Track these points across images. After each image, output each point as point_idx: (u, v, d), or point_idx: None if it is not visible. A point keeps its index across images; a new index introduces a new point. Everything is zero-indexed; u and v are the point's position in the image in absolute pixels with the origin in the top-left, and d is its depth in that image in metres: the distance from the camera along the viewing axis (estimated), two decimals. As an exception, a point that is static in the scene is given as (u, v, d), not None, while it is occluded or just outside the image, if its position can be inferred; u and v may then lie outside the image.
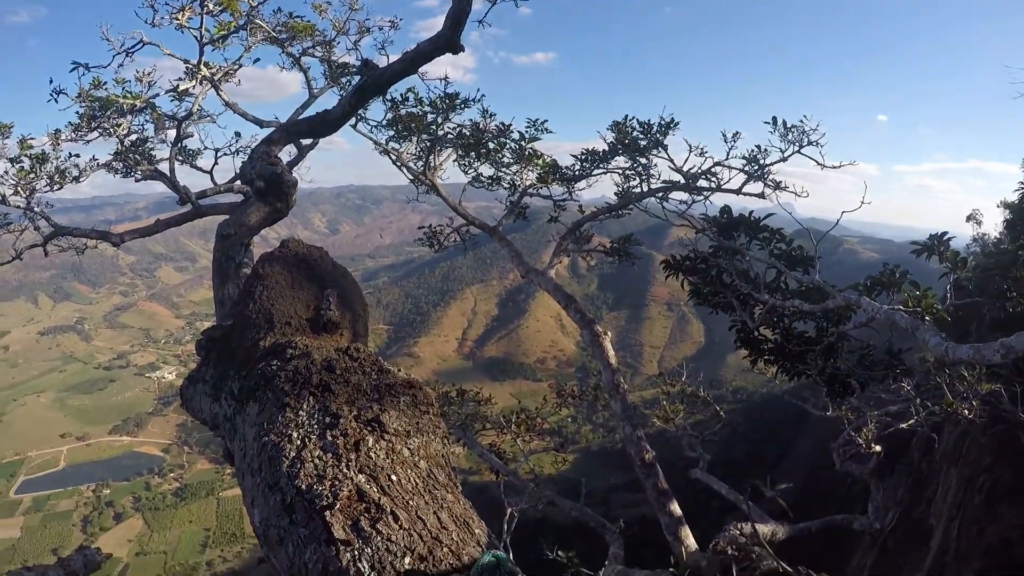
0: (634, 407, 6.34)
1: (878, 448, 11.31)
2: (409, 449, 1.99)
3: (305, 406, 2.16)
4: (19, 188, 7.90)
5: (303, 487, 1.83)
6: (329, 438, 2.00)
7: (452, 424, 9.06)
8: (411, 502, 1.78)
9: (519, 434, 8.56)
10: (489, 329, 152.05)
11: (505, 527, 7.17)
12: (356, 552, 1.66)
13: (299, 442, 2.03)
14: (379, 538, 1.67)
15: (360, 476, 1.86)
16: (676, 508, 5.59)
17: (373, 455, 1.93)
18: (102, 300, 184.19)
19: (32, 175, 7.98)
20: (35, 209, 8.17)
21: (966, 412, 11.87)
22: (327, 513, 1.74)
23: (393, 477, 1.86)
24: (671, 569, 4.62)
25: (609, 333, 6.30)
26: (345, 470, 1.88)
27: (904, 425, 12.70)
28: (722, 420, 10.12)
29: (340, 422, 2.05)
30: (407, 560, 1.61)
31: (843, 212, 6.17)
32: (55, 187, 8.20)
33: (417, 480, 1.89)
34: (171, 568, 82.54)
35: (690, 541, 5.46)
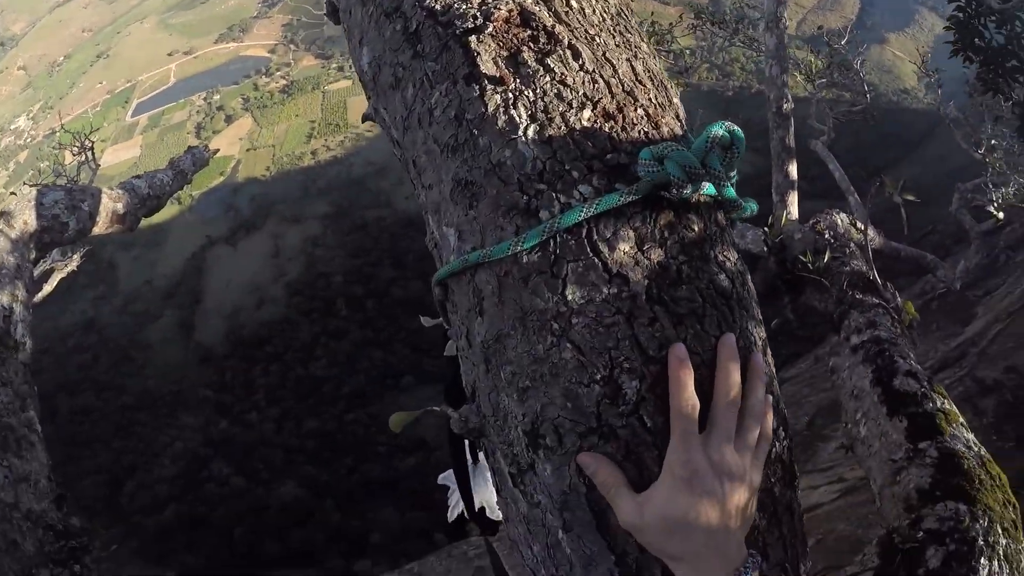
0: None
1: (1002, 215, 10.32)
2: (593, -29, 1.27)
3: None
4: None
5: (437, 7, 1.19)
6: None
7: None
8: (598, 39, 1.14)
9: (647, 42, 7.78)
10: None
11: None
12: (511, 94, 1.09)
13: (433, -53, 1.30)
14: (548, 79, 1.07)
15: (526, -6, 1.20)
16: (794, 170, 5.12)
17: (542, -32, 1.24)
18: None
19: None
20: None
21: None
22: (472, 39, 1.13)
23: (573, 3, 1.20)
24: (765, 228, 4.30)
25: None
26: (505, -16, 1.21)
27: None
28: (864, 105, 8.92)
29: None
30: (586, 114, 1.02)
31: None
32: None
33: (604, 14, 1.23)
34: (278, 159, 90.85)
35: (794, 208, 5.10)
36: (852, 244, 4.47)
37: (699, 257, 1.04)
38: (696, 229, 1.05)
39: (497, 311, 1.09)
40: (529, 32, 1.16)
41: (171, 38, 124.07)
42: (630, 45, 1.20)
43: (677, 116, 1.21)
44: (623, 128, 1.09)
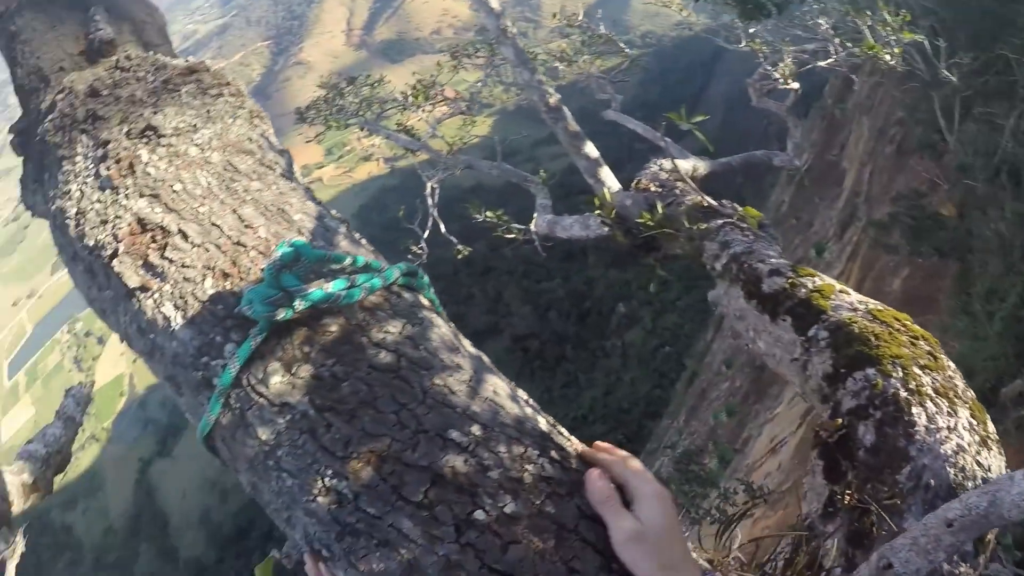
0: (534, 57, 5.60)
1: (796, 84, 10.84)
2: (197, 145, 1.48)
3: (79, 148, 1.63)
4: None
5: (91, 244, 1.34)
6: (103, 172, 1.48)
7: (351, 113, 8.50)
8: (202, 209, 1.29)
9: (419, 105, 7.98)
10: (374, 13, 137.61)
11: (429, 201, 7.02)
12: (156, 295, 1.22)
13: (78, 193, 1.51)
14: (173, 268, 1.21)
15: (140, 201, 1.36)
16: (592, 149, 5.23)
17: (151, 170, 1.43)
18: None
19: None
20: None
21: (887, 58, 11.27)
22: (115, 262, 1.27)
23: (177, 187, 1.37)
24: (597, 212, 4.37)
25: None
26: (124, 201, 1.38)
27: (822, 64, 12.03)
28: (630, 59, 9.44)
29: (110, 148, 1.52)
30: (208, 283, 1.17)
31: None
32: None
33: (210, 179, 1.40)
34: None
35: (611, 181, 5.02)
36: (679, 184, 4.61)
37: (350, 351, 1.16)
38: (334, 329, 1.17)
39: (240, 465, 1.19)
40: (149, 235, 1.30)
41: (7, 288, 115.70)
42: (237, 194, 1.35)
43: (301, 231, 1.35)
44: (240, 277, 1.23)
